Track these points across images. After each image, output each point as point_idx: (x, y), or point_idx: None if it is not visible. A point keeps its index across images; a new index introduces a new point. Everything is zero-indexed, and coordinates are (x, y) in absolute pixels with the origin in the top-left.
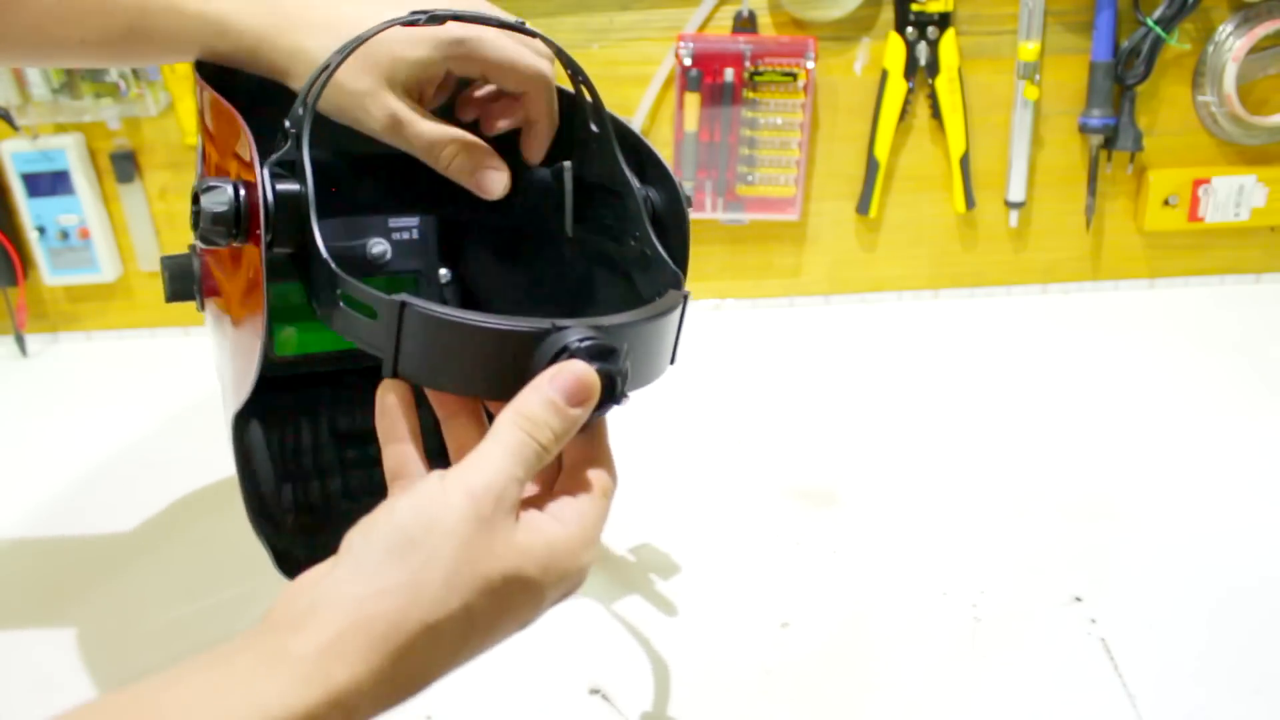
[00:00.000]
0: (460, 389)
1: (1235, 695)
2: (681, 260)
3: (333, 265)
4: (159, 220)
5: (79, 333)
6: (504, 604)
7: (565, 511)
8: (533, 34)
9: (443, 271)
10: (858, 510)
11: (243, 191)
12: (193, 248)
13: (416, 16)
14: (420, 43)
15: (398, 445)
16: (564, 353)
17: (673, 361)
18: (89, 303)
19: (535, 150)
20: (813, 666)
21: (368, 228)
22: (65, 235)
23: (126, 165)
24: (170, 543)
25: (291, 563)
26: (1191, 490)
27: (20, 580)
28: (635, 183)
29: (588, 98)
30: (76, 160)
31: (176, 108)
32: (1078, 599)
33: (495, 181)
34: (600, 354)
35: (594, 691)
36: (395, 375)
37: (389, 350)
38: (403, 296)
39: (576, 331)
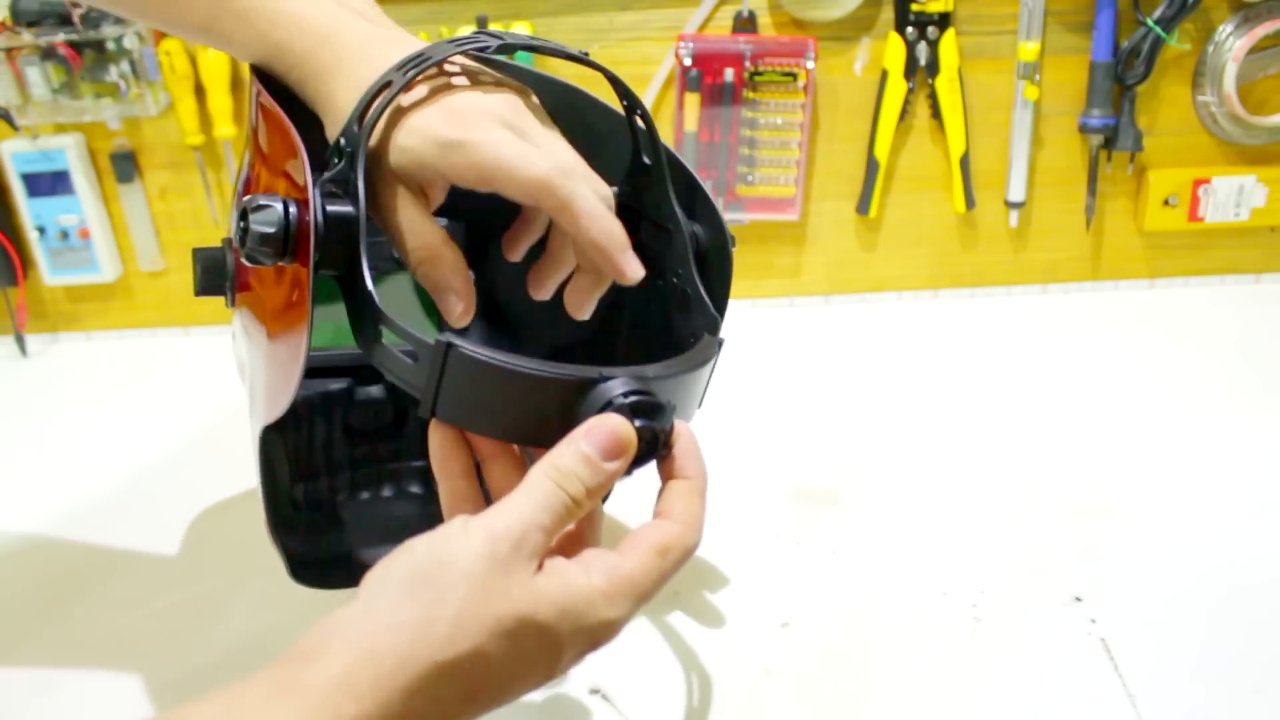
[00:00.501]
0: (499, 433)
1: (1235, 695)
2: (721, 303)
3: (378, 301)
4: (159, 220)
5: (79, 333)
6: (518, 650)
7: (596, 562)
8: (594, 66)
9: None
10: (858, 510)
11: (293, 211)
12: (226, 241)
13: (485, 41)
14: (416, 134)
15: (452, 481)
16: (609, 406)
17: (700, 405)
18: (89, 303)
19: (543, 287)
20: (813, 666)
21: None
22: (65, 235)
23: (126, 165)
24: (170, 543)
25: (300, 564)
26: (1191, 490)
27: (20, 580)
28: (683, 218)
29: (642, 126)
30: (76, 160)
31: (177, 108)
32: (1078, 599)
33: (452, 307)
34: (645, 410)
35: (594, 691)
36: (433, 416)
37: (429, 391)
38: (448, 337)
39: (622, 384)
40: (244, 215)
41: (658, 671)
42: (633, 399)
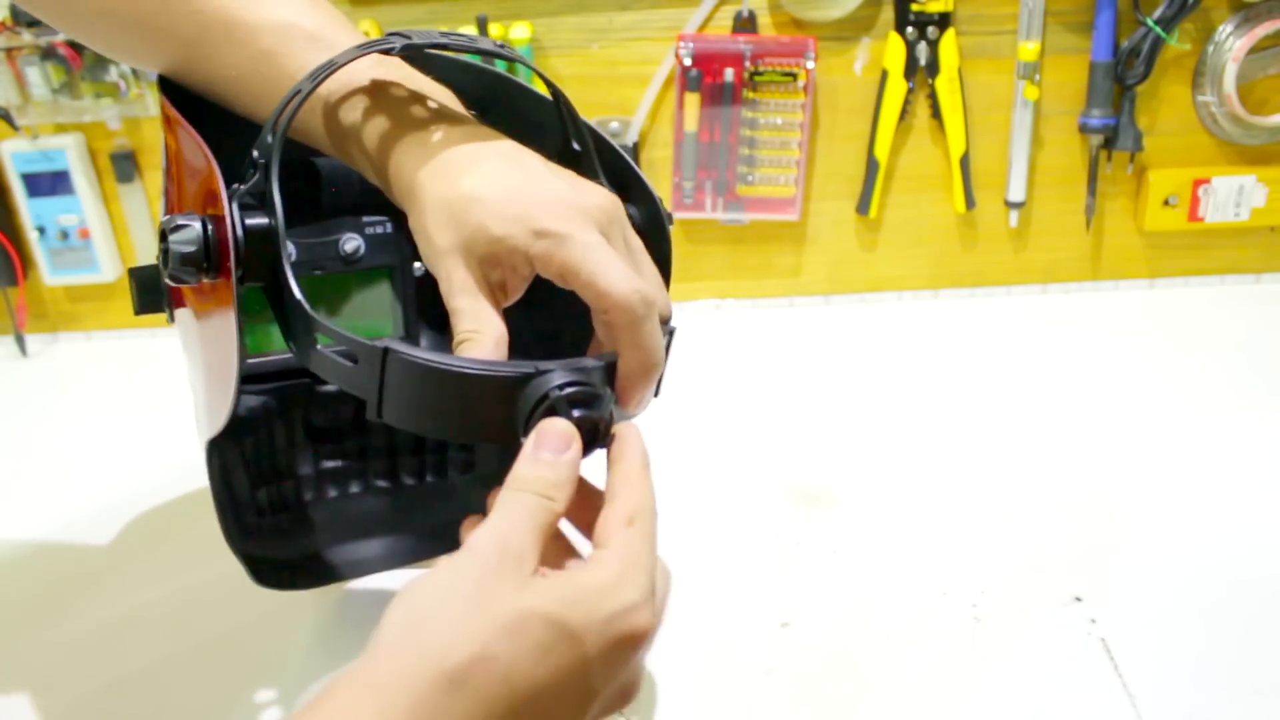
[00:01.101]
0: (445, 433)
1: (1234, 695)
2: (664, 280)
3: (308, 308)
4: (159, 220)
5: (79, 333)
6: (529, 645)
7: (584, 562)
8: (514, 57)
9: (417, 265)
10: (858, 510)
11: (210, 227)
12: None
13: (391, 42)
14: (509, 221)
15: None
16: (545, 400)
17: (656, 394)
18: (89, 303)
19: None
20: (813, 666)
21: (341, 223)
22: (65, 235)
23: (126, 165)
24: (170, 542)
25: (265, 567)
26: (1191, 490)
27: (19, 580)
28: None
29: (566, 115)
30: (76, 160)
31: None
32: (1078, 599)
33: None
34: (583, 401)
35: None
36: (380, 418)
37: (373, 395)
38: (385, 342)
39: (559, 375)
40: (163, 236)
41: (658, 671)
42: (569, 390)
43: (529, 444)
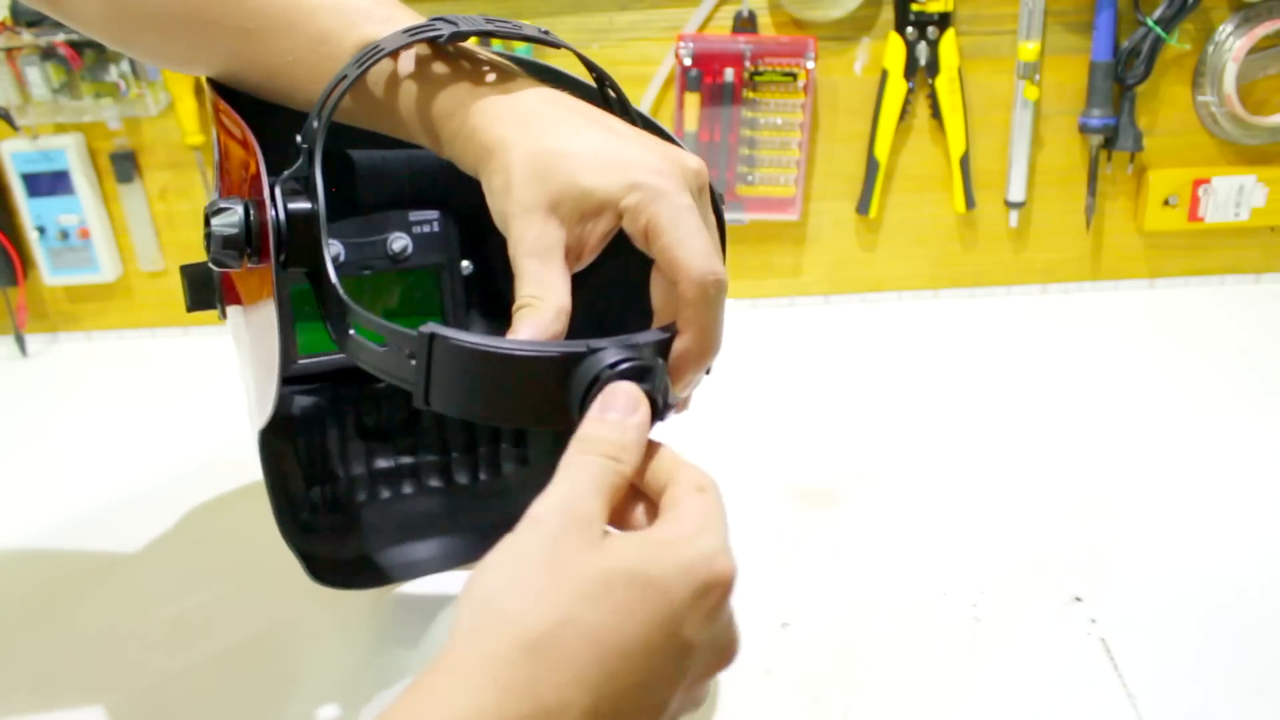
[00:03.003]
0: (497, 418)
1: (1234, 695)
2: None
3: (343, 295)
4: (159, 220)
5: (79, 333)
6: (615, 605)
7: (667, 515)
8: (559, 44)
9: (465, 264)
10: (858, 510)
11: (252, 211)
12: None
13: (438, 29)
14: (601, 173)
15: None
16: (598, 379)
17: (708, 372)
18: (89, 303)
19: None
20: (813, 666)
21: (388, 222)
22: (65, 235)
23: (126, 165)
24: (170, 542)
25: (322, 565)
26: (1191, 490)
27: (20, 580)
28: None
29: (614, 96)
30: (76, 160)
31: (176, 107)
32: (1078, 599)
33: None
34: (636, 374)
35: None
36: (427, 405)
37: (420, 383)
38: (431, 328)
39: (612, 353)
40: (207, 220)
41: None
42: (622, 366)
43: (596, 406)
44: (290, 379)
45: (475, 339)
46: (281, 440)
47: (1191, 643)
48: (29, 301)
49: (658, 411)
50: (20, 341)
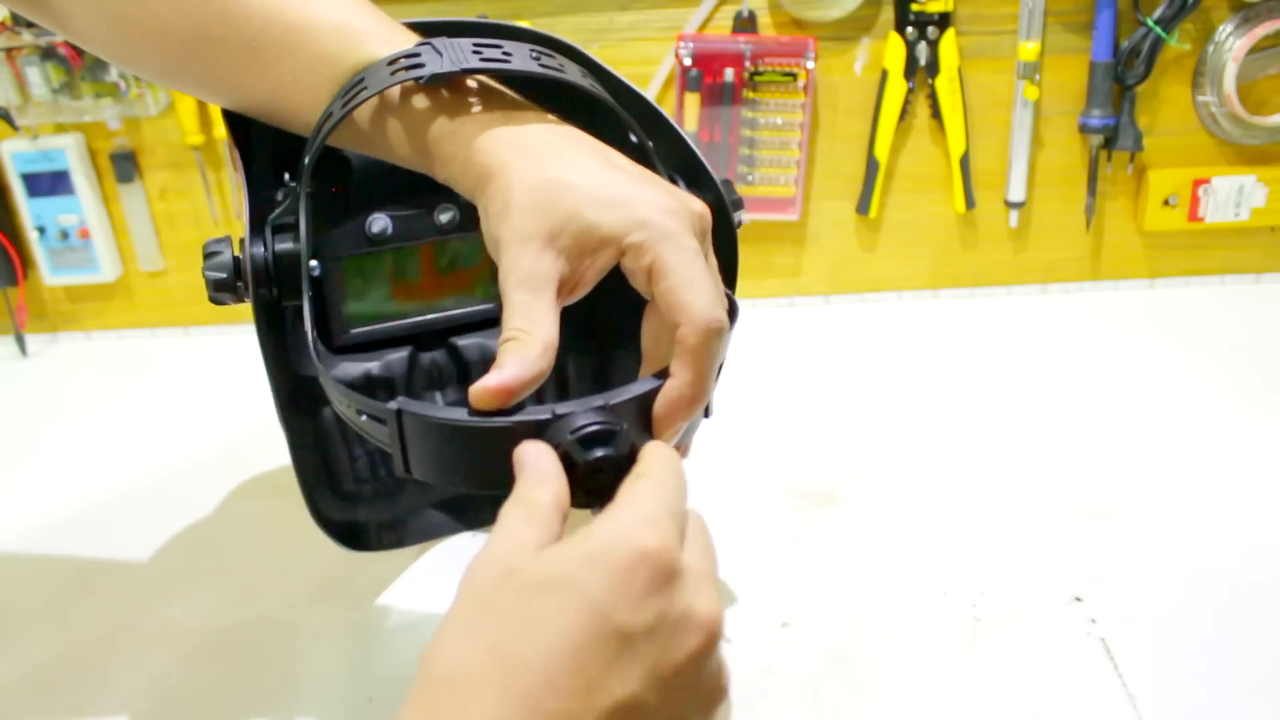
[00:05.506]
0: (471, 485)
1: (1235, 695)
2: (729, 277)
3: (322, 369)
4: (159, 220)
5: (79, 333)
6: (530, 621)
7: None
8: (571, 49)
9: None
10: (858, 510)
11: (240, 255)
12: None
13: (419, 72)
14: (606, 208)
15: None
16: (560, 445)
17: (707, 414)
18: (89, 303)
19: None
20: (813, 666)
21: (436, 194)
22: (65, 235)
23: (126, 165)
24: (170, 542)
25: (371, 531)
26: (1191, 490)
27: (20, 580)
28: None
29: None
30: (76, 160)
31: (176, 108)
32: (1078, 599)
33: (488, 380)
34: (601, 440)
35: None
36: (408, 474)
37: (398, 454)
38: (398, 404)
39: (579, 417)
40: (205, 260)
41: None
42: (583, 432)
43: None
44: (341, 348)
45: (440, 413)
46: (322, 414)
47: (1191, 643)
48: (29, 301)
49: (619, 474)
50: (20, 341)
